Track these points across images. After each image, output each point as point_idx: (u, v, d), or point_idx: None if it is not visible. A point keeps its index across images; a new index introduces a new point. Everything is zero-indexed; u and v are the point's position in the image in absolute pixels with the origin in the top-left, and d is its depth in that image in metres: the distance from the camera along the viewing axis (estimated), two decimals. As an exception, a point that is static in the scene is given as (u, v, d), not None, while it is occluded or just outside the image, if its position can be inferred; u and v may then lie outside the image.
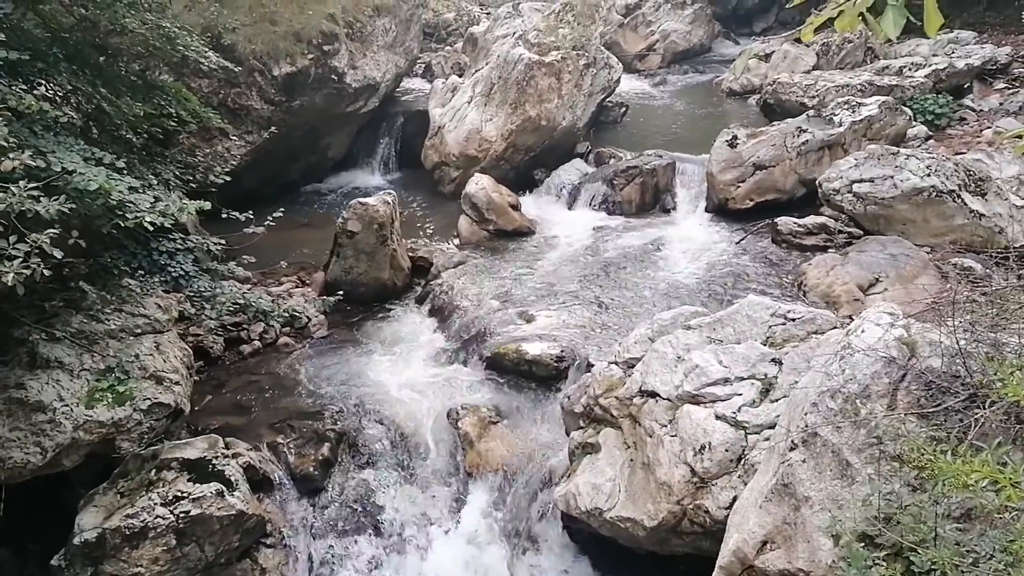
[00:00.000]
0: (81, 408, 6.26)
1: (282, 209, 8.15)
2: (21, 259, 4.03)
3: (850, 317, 7.83)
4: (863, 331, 4.97)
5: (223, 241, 7.32)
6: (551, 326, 9.23)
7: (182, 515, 6.31)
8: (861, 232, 10.48)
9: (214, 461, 6.78)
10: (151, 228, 5.28)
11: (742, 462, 5.64)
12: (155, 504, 6.35)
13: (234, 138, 12.26)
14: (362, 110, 14.69)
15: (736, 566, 4.72)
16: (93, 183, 4.84)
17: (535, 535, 7.24)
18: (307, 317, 9.28)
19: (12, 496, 5.94)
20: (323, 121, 14.10)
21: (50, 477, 6.44)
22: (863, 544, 3.73)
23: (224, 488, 6.55)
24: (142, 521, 6.24)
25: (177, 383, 7.09)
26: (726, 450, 5.68)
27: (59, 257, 4.27)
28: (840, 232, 10.58)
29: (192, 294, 6.88)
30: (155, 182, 6.65)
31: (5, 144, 4.24)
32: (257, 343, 9.30)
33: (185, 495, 6.43)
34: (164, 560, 6.24)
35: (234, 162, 12.01)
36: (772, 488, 4.70)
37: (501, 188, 12.38)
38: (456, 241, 12.03)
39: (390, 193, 10.77)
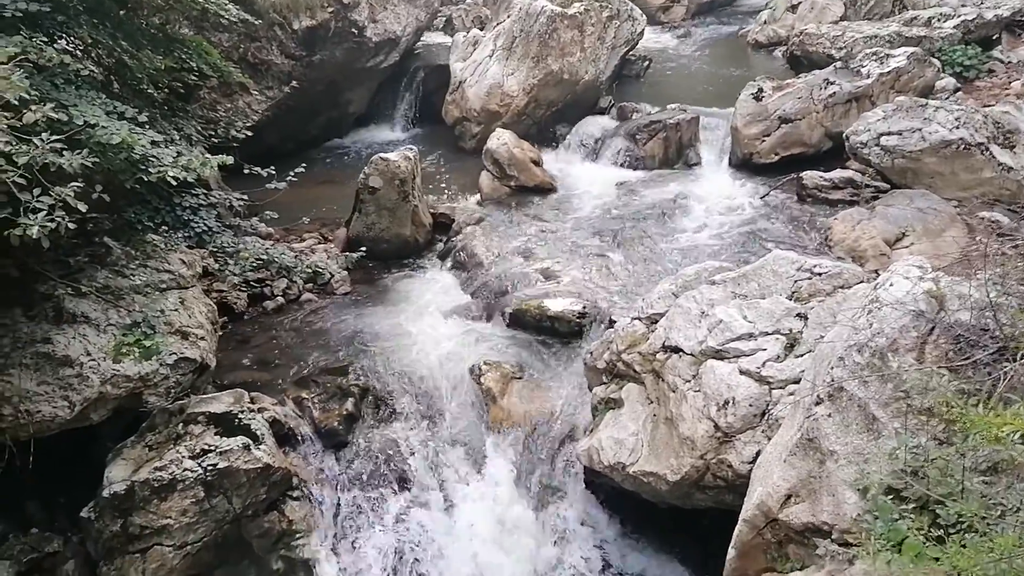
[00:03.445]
0: (108, 362, 6.33)
1: (303, 165, 8.12)
2: (45, 212, 4.03)
3: (876, 272, 7.71)
4: (891, 284, 4.89)
5: (245, 197, 7.32)
6: (573, 282, 9.19)
7: (210, 468, 6.40)
8: (888, 186, 10.33)
9: (240, 415, 6.85)
10: (174, 183, 5.27)
11: (766, 417, 5.62)
12: (183, 457, 6.44)
13: (255, 93, 12.19)
14: (382, 65, 14.53)
15: (760, 519, 4.73)
16: (116, 137, 4.82)
17: (557, 489, 7.30)
18: (330, 273, 9.27)
19: (41, 450, 6.03)
20: (343, 76, 13.97)
21: (78, 431, 6.55)
22: (890, 497, 3.71)
23: (250, 442, 6.63)
24: (170, 474, 6.34)
25: (202, 338, 7.15)
26: (750, 405, 5.66)
27: (83, 211, 4.27)
28: (867, 186, 10.43)
29: (215, 250, 6.90)
30: (177, 137, 6.63)
31: (27, 96, 4.21)
32: (280, 299, 9.34)
33: (212, 448, 6.51)
34: (193, 512, 6.34)
35: (255, 117, 12.03)
36: (797, 442, 4.68)
37: (523, 144, 12.26)
38: (477, 197, 11.96)
39: (411, 149, 10.70)
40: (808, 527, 4.46)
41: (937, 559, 3.07)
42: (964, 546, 3.10)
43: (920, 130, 10.02)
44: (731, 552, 5.00)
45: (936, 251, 8.66)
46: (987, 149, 9.81)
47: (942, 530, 3.39)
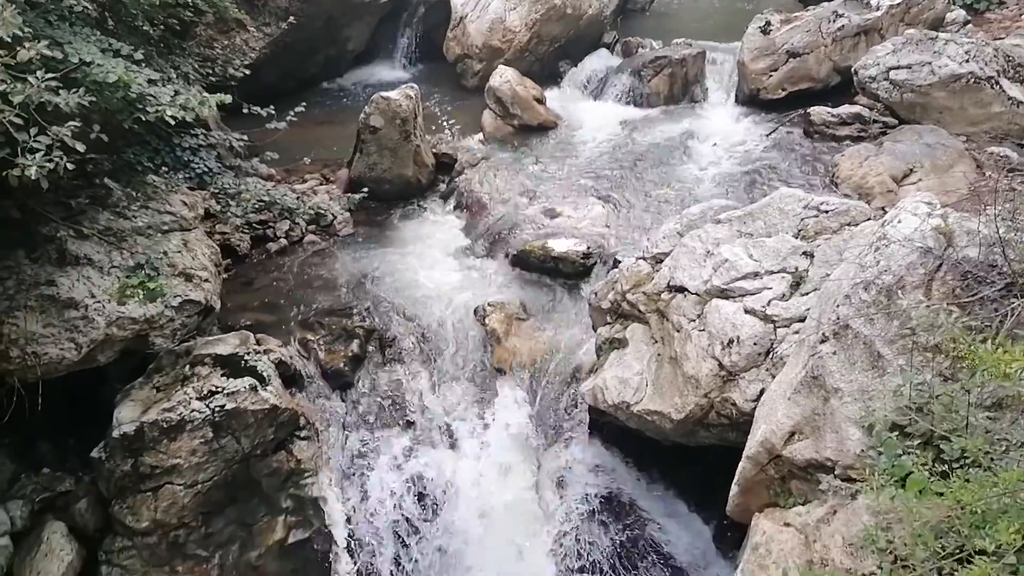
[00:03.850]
0: (113, 305, 6.33)
1: (303, 104, 8.00)
2: (43, 152, 3.98)
3: (883, 209, 7.65)
4: (899, 221, 4.84)
5: (245, 137, 7.23)
6: (577, 222, 9.12)
7: (217, 409, 6.46)
8: (896, 121, 10.19)
9: (246, 357, 6.88)
10: (172, 122, 5.20)
11: (770, 356, 5.63)
12: (190, 398, 6.49)
13: (252, 30, 11.95)
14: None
15: (763, 456, 4.77)
16: (112, 75, 4.73)
17: (562, 428, 7.36)
18: (332, 215, 9.23)
19: (50, 391, 6.08)
20: (342, 11, 13.66)
21: (86, 373, 6.59)
22: (894, 434, 3.73)
23: (257, 383, 6.67)
24: (179, 415, 6.39)
25: (206, 280, 7.14)
26: (754, 344, 5.66)
27: (81, 151, 4.21)
28: (875, 122, 10.28)
29: (217, 191, 6.85)
30: (174, 75, 6.52)
31: (20, 34, 4.12)
32: (283, 241, 9.31)
33: (219, 390, 6.56)
34: (202, 452, 6.42)
35: (253, 55, 11.81)
36: (801, 380, 4.69)
37: (526, 81, 12.05)
38: (480, 136, 11.80)
39: (412, 87, 10.51)
40: (811, 463, 4.50)
41: (941, 494, 3.10)
42: (968, 481, 3.12)
43: (929, 64, 9.84)
44: (734, 488, 5.07)
45: (944, 187, 8.59)
46: (997, 83, 9.66)
47: (946, 465, 3.41)
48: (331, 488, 6.85)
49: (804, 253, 5.99)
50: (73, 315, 6.14)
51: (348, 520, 6.76)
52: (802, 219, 6.35)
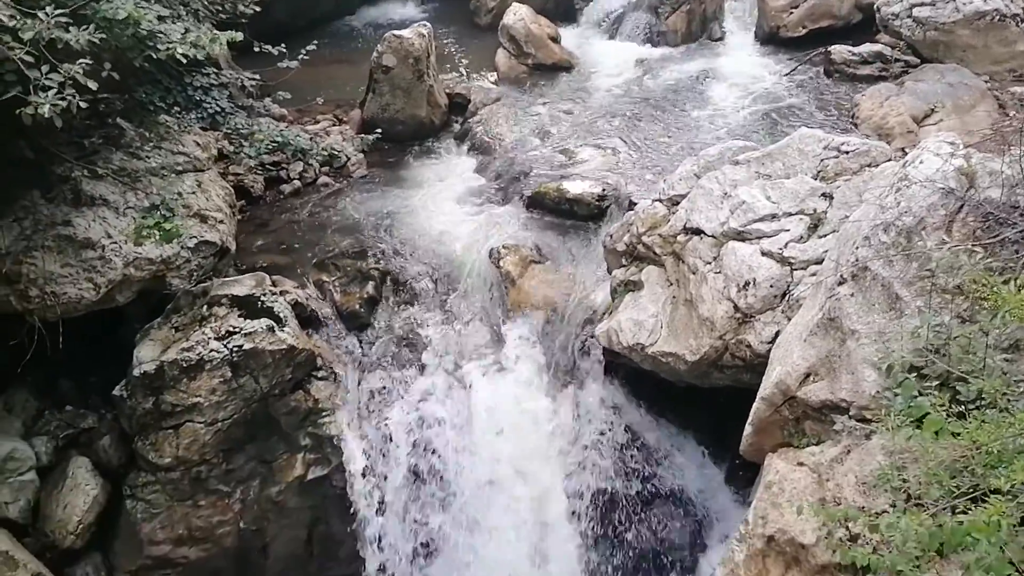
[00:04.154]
0: (130, 245, 6.37)
1: (315, 43, 7.88)
2: (55, 90, 3.95)
3: (903, 150, 7.55)
4: (921, 161, 4.76)
5: (257, 77, 7.15)
6: (593, 164, 9.03)
7: (235, 349, 6.53)
8: (918, 60, 10.00)
9: (263, 298, 6.93)
10: (183, 61, 5.15)
11: (786, 298, 5.61)
12: (209, 338, 6.56)
13: (262, -34, 11.70)
14: (393, -67, 13.93)
15: (778, 397, 4.79)
16: (121, 11, 4.67)
17: (576, 370, 7.40)
18: (346, 156, 9.17)
19: (70, 331, 6.15)
20: (353, -53, 13.41)
21: (105, 313, 6.66)
22: (912, 376, 3.72)
23: (274, 324, 6.73)
24: (197, 354, 6.47)
25: (221, 222, 7.15)
26: (771, 286, 5.63)
27: (93, 90, 4.19)
28: (896, 60, 10.07)
29: (229, 131, 6.82)
30: (184, 13, 6.40)
31: (28, -31, 4.07)
32: (297, 182, 9.26)
33: (237, 330, 6.62)
34: (221, 391, 6.52)
35: (263, -8, 11.55)
36: (818, 322, 4.68)
37: (540, 19, 11.81)
38: (494, 76, 11.63)
39: (425, 25, 10.32)
40: (826, 404, 4.51)
41: (957, 434, 3.11)
42: (984, 422, 3.12)
43: (954, 1, 9.59)
44: (748, 429, 5.09)
45: (965, 128, 8.46)
46: (1022, 21, 9.42)
47: (962, 407, 3.41)
48: (349, 427, 6.94)
49: (823, 195, 5.92)
50: (90, 255, 6.19)
51: (365, 458, 6.87)
52: (822, 160, 6.25)
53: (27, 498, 6.43)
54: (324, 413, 6.91)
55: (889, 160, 6.14)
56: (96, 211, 6.31)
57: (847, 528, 3.88)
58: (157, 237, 6.25)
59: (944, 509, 3.05)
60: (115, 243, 6.33)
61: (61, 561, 6.52)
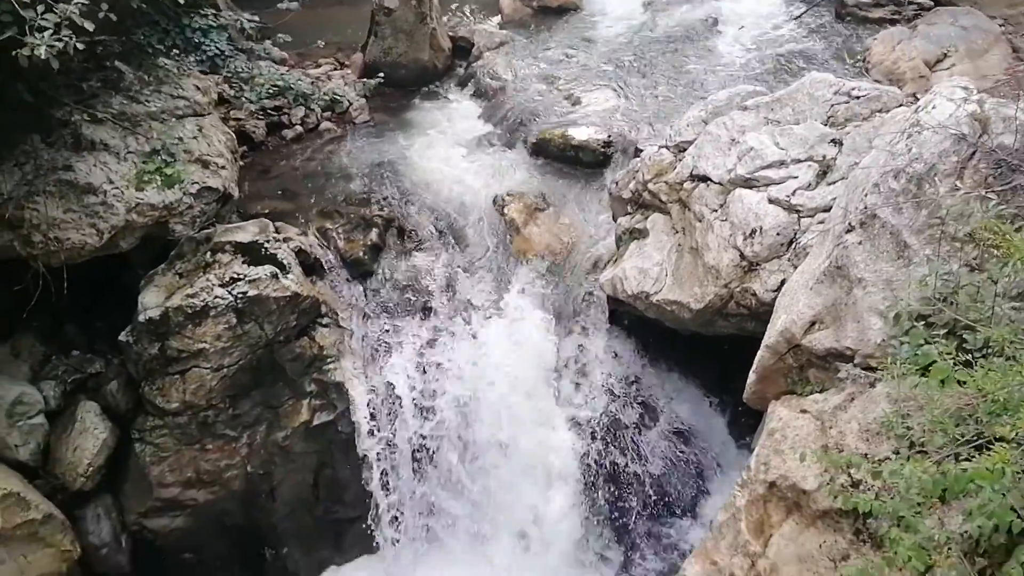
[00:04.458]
0: (132, 191, 6.33)
1: (316, -17, 7.71)
2: (52, 31, 3.87)
3: (914, 95, 7.43)
4: (934, 107, 4.68)
5: (256, 18, 7.00)
6: (599, 109, 8.92)
7: (240, 296, 6.53)
8: (932, 3, 9.80)
9: (266, 245, 6.90)
10: (181, 1, 5.02)
11: (793, 246, 5.57)
12: (213, 285, 6.55)
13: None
14: None
15: (782, 345, 4.79)
16: (116, -51, 4.55)
17: (580, 318, 7.40)
18: (348, 101, 9.04)
19: (74, 277, 6.14)
20: None
21: (110, 259, 6.65)
22: (920, 324, 3.71)
23: (278, 271, 6.71)
24: (202, 301, 6.47)
25: (223, 167, 7.08)
26: (777, 234, 5.60)
27: (90, 31, 4.09)
28: (910, 3, 9.86)
29: (229, 75, 6.71)
30: (180, -49, 6.26)
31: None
32: (299, 128, 9.16)
33: (241, 277, 6.61)
34: (227, 337, 6.53)
35: (262, -70, 11.28)
36: (825, 270, 4.65)
37: (545, -41, 11.53)
38: (498, 19, 11.41)
39: (427, -35, 10.10)
40: (831, 352, 4.52)
41: (963, 383, 3.10)
42: (991, 370, 3.11)
43: (970, -60, 9.36)
44: (752, 376, 5.11)
45: (978, 72, 8.31)
46: (1042, -38, 9.19)
47: (969, 355, 3.40)
48: (353, 373, 6.98)
49: (832, 141, 5.84)
50: (92, 200, 6.15)
51: (370, 404, 6.92)
52: (832, 105, 6.15)
53: (37, 441, 6.50)
54: (329, 360, 6.94)
55: (900, 105, 6.05)
56: (97, 156, 6.25)
57: (849, 475, 3.91)
58: (159, 183, 6.20)
59: (948, 457, 3.05)
60: (117, 188, 6.28)
61: (72, 503, 6.62)
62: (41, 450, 6.54)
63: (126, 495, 6.89)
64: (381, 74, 9.11)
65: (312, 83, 7.56)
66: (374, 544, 7.11)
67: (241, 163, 7.93)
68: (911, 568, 3.01)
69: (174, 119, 6.76)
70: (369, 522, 7.04)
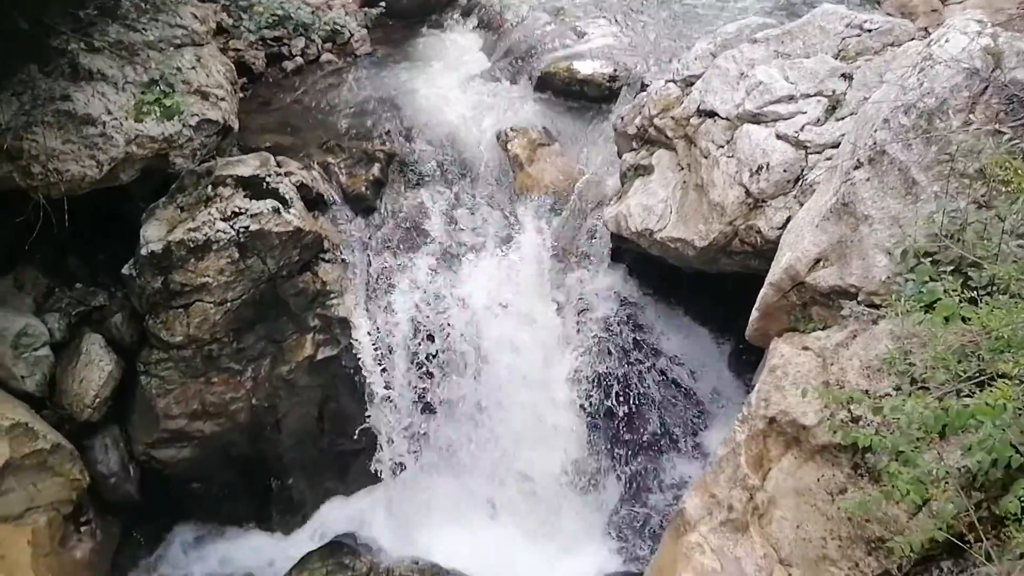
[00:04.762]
0: (130, 122, 6.24)
1: (315, -93, 7.48)
2: (46, -46, 3.76)
3: (926, 29, 7.26)
4: (947, 40, 4.55)
5: (254, -57, 6.82)
6: (604, 43, 8.72)
7: (242, 230, 6.50)
8: (948, -65, 9.44)
9: (267, 179, 6.84)
10: (178, -76, 4.87)
11: (799, 183, 5.51)
12: (215, 219, 6.52)
13: None
14: None
15: (786, 282, 4.77)
16: None
17: (583, 254, 7.39)
18: (349, 31, 8.85)
19: (75, 209, 6.09)
20: None
21: (111, 192, 6.60)
22: (927, 261, 3.69)
23: (280, 205, 6.67)
24: (204, 235, 6.45)
25: (223, 99, 6.98)
26: (784, 170, 5.53)
27: (84, -45, 3.99)
28: (927, -65, 9.53)
29: (228, 3, 6.56)
30: None
31: None
32: (299, 59, 9.00)
33: (243, 211, 6.57)
34: (229, 271, 6.53)
35: None
36: (831, 207, 4.60)
37: None
38: (503, -53, 11.08)
39: None
40: (835, 289, 4.50)
41: (967, 319, 3.10)
42: (996, 307, 3.11)
43: None
44: (754, 313, 5.11)
45: (992, 6, 8.07)
46: None
47: (974, 292, 3.40)
48: (357, 308, 6.99)
49: (843, 75, 5.73)
50: (91, 132, 6.07)
51: (373, 338, 6.95)
52: (843, 38, 6.02)
53: (43, 372, 6.56)
54: (332, 295, 6.95)
55: (912, 39, 5.91)
56: (95, 86, 6.15)
57: (849, 411, 3.94)
58: (158, 114, 6.12)
59: (949, 393, 3.07)
60: (115, 119, 6.20)
61: (79, 433, 6.72)
62: (47, 381, 6.61)
63: (133, 426, 6.99)
64: (382, 3, 8.92)
65: (313, 12, 7.41)
66: (378, 475, 7.23)
67: (241, 95, 7.82)
68: (908, 501, 3.06)
69: (172, 48, 6.62)
70: (373, 454, 7.15)
